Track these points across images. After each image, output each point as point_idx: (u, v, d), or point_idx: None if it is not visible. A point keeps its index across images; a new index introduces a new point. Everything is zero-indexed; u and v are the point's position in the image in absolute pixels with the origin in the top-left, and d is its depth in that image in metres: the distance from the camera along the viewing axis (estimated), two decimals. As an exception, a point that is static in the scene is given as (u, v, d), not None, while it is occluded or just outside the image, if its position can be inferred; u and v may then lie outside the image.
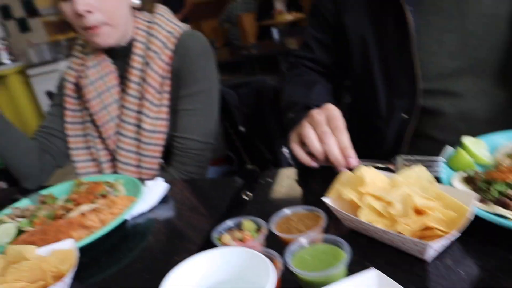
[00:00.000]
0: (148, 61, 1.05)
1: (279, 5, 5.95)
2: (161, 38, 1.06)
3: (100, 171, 1.15)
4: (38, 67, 4.02)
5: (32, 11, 4.00)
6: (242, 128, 1.23)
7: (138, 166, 1.10)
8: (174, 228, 0.75)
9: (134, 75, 1.07)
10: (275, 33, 3.19)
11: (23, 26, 4.49)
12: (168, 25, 1.09)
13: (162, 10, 1.14)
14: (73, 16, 0.98)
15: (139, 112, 1.08)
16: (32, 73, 4.05)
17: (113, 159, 1.14)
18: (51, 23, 4.55)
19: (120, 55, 1.11)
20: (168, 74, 1.07)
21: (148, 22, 1.11)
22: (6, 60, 4.23)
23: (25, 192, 1.09)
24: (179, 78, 1.06)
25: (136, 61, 1.07)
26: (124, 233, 0.76)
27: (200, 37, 1.09)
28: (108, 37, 1.02)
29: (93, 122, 1.13)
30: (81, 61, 1.14)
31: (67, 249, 0.63)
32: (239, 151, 1.30)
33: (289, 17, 5.61)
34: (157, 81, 1.06)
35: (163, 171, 1.13)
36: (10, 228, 0.79)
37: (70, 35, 4.31)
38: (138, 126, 1.08)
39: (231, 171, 1.29)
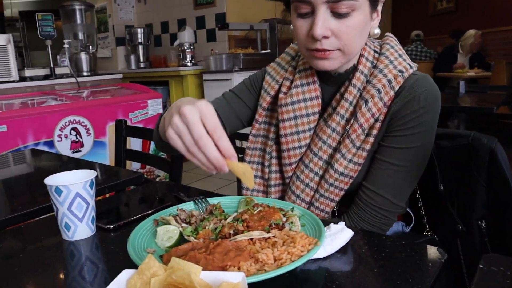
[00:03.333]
0: (365, 97, 0.89)
1: (462, 59, 5.48)
2: (388, 76, 0.88)
3: (265, 192, 1.04)
4: (213, 73, 4.29)
5: (223, 25, 4.30)
6: (442, 187, 1.01)
7: (309, 203, 0.96)
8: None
9: (344, 108, 0.92)
10: (462, 87, 2.84)
11: (211, 36, 4.89)
12: (398, 61, 0.91)
13: (394, 42, 0.96)
14: (304, 35, 0.86)
15: (335, 149, 0.93)
16: (207, 78, 4.33)
17: (283, 184, 1.02)
18: (234, 37, 4.87)
19: (332, 81, 0.96)
20: (381, 116, 0.89)
21: (375, 52, 0.95)
22: (189, 63, 4.65)
23: (185, 189, 1.04)
24: (393, 124, 0.89)
25: (352, 94, 0.91)
26: (289, 278, 0.62)
27: (433, 84, 0.89)
28: (334, 63, 0.88)
29: (277, 141, 1.02)
30: (288, 75, 1.02)
31: (235, 283, 0.51)
32: (420, 212, 1.08)
33: (470, 73, 5.09)
34: (368, 121, 0.89)
35: (334, 216, 0.98)
36: (173, 231, 0.71)
37: (248, 51, 4.54)
38: (328, 163, 0.94)
39: (401, 232, 1.07)
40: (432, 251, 0.68)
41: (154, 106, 3.41)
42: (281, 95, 0.99)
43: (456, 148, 1.03)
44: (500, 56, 5.78)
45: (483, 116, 2.49)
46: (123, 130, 1.63)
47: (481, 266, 0.61)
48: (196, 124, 0.62)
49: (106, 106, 3.09)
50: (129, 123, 3.28)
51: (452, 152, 1.04)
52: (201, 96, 4.57)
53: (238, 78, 4.07)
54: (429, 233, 1.06)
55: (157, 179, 3.16)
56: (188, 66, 4.61)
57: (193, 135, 0.62)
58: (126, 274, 0.55)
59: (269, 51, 4.63)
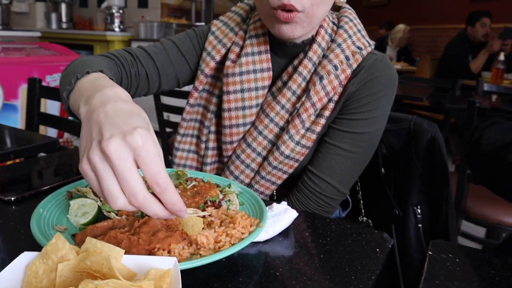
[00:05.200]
0: (321, 73, 0.80)
1: (390, 52, 5.71)
2: (346, 51, 0.81)
3: (199, 170, 0.94)
4: (143, 42, 4.04)
5: (156, -10, 4.06)
6: (383, 170, 0.98)
7: (249, 185, 0.89)
8: (293, 277, 0.51)
9: (297, 83, 0.83)
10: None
11: (143, 2, 4.60)
12: (357, 36, 0.84)
13: (352, 15, 0.89)
14: None
15: (282, 129, 0.85)
16: (136, 46, 4.07)
17: (220, 162, 0.93)
18: (168, 6, 4.62)
19: (285, 52, 0.86)
20: (335, 96, 0.82)
21: (334, 24, 0.87)
22: (117, 28, 4.33)
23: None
24: (348, 106, 0.82)
25: (307, 68, 0.83)
26: (225, 264, 0.54)
27: (391, 67, 0.84)
28: (296, 29, 0.76)
29: (218, 114, 0.91)
30: (238, 39, 0.88)
31: (165, 270, 0.42)
32: (357, 197, 1.05)
33: (397, 66, 5.33)
34: (322, 101, 0.81)
35: (273, 199, 0.91)
36: (90, 206, 0.60)
37: (182, 21, 4.33)
38: (273, 144, 0.85)
39: (337, 218, 1.04)
40: (379, 236, 0.64)
41: (76, 70, 3.14)
42: (228, 63, 0.87)
43: (397, 132, 1.01)
44: (424, 52, 6.11)
45: (410, 106, 2.59)
46: (37, 90, 1.44)
47: (430, 253, 0.58)
48: (128, 174, 0.43)
49: (20, 66, 2.78)
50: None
51: (393, 135, 1.02)
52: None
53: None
54: (364, 218, 1.04)
55: (76, 150, 2.92)
56: (115, 31, 4.31)
57: (125, 189, 0.44)
58: (25, 258, 0.43)
59: (203, 23, 4.46)
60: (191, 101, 0.92)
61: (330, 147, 0.84)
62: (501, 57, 3.83)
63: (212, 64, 0.88)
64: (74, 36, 4.41)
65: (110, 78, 0.62)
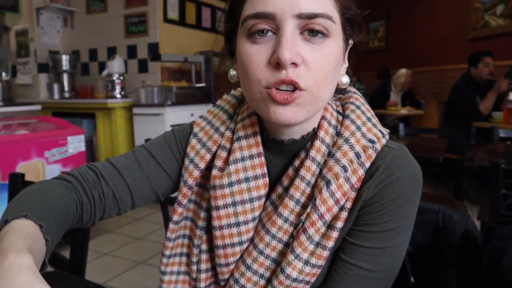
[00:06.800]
0: (327, 177, 0.65)
1: (394, 97, 5.64)
2: (355, 147, 0.66)
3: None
4: (144, 107, 4.00)
5: (155, 56, 4.05)
6: (412, 279, 0.82)
7: None
8: None
9: (300, 190, 0.67)
10: (401, 130, 2.80)
11: (143, 67, 4.60)
12: (367, 127, 0.68)
13: (360, 100, 0.73)
14: (262, 64, 0.60)
15: (287, 245, 0.69)
16: (137, 112, 4.03)
17: (216, 284, 0.78)
18: (168, 69, 4.63)
19: (282, 151, 0.72)
20: (348, 203, 0.66)
21: (339, 113, 0.72)
22: (118, 94, 4.32)
23: None
24: (364, 216, 0.66)
25: (310, 171, 0.67)
26: None
27: (413, 161, 0.67)
28: (299, 112, 0.61)
29: (208, 229, 0.76)
30: (224, 142, 0.74)
31: None
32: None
33: (403, 111, 5.24)
34: (331, 211, 0.65)
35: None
36: None
37: (182, 84, 4.31)
38: (277, 263, 0.69)
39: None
40: None
41: (75, 143, 3.08)
42: (215, 172, 0.72)
43: (422, 226, 0.86)
44: (428, 94, 6.04)
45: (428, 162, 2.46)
46: (20, 187, 1.32)
47: None
48: None
49: (17, 144, 2.72)
50: (45, 163, 2.91)
51: (417, 230, 0.87)
52: (130, 131, 4.23)
53: (170, 113, 3.82)
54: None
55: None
56: (117, 98, 4.29)
57: None
58: None
59: (203, 84, 4.44)
60: (175, 217, 0.77)
61: (348, 266, 0.67)
62: (510, 96, 3.74)
63: (196, 173, 0.74)
64: (76, 105, 4.40)
65: (38, 224, 0.55)
